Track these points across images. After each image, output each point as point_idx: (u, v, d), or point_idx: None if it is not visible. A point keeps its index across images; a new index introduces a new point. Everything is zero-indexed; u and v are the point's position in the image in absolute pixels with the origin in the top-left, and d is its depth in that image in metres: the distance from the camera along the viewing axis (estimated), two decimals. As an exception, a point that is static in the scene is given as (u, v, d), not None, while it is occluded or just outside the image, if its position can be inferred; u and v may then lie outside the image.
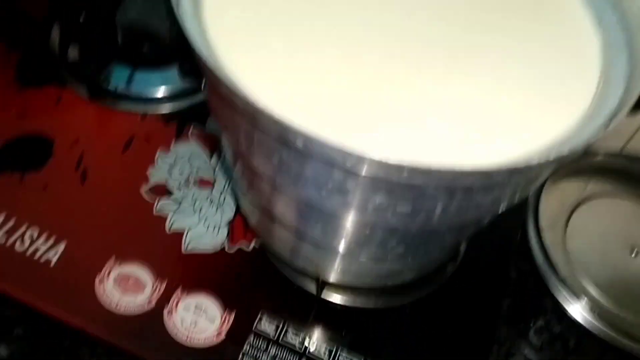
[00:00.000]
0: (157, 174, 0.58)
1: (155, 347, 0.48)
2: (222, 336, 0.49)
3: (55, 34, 0.66)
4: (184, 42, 0.30)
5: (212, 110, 0.39)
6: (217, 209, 0.56)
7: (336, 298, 0.52)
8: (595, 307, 0.53)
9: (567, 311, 0.54)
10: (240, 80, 0.31)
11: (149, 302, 0.50)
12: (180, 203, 0.56)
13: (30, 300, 0.50)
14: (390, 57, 0.35)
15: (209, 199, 0.57)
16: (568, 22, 0.39)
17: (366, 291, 0.52)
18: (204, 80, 0.36)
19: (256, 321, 0.50)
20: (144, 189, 0.57)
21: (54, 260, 0.51)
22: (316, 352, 0.49)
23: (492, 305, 0.54)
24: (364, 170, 0.28)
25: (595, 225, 0.60)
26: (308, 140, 0.27)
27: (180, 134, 0.61)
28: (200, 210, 0.56)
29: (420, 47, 0.36)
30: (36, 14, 0.69)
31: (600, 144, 0.63)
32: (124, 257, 0.52)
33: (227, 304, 0.50)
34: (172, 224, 0.55)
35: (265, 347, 0.49)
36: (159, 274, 0.51)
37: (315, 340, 0.50)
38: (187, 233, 0.54)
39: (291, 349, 0.49)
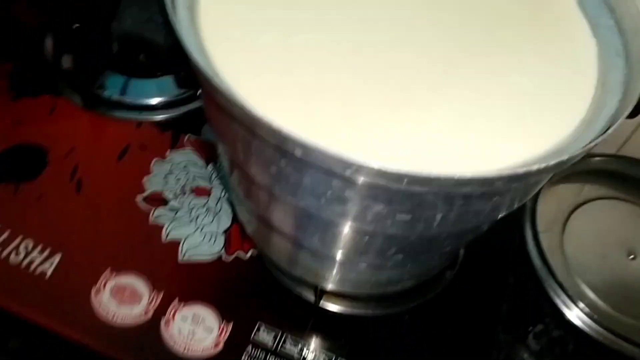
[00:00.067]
0: (152, 182, 0.58)
1: (153, 359, 0.48)
2: (220, 347, 0.48)
3: (49, 43, 0.66)
4: (180, 51, 0.30)
5: (209, 119, 0.38)
6: (213, 217, 0.56)
7: (335, 306, 0.52)
8: (593, 311, 0.53)
9: (565, 315, 0.53)
10: (237, 89, 0.31)
11: (146, 313, 0.49)
12: (176, 212, 0.56)
13: (26, 312, 0.49)
14: (388, 65, 0.35)
15: (205, 208, 0.56)
16: (565, 28, 0.39)
17: (365, 299, 0.52)
18: (200, 89, 0.36)
19: (254, 331, 0.50)
20: (139, 198, 0.56)
21: (49, 272, 0.51)
22: (315, 361, 0.49)
23: (491, 311, 0.54)
24: (363, 179, 0.28)
25: (593, 229, 0.60)
26: (307, 149, 0.27)
27: (175, 142, 0.61)
28: (197, 219, 0.55)
29: (418, 54, 0.36)
30: (30, 23, 0.69)
31: (596, 147, 0.63)
32: (120, 267, 0.52)
33: (224, 314, 0.50)
34: (168, 234, 0.54)
35: (263, 357, 0.49)
36: (155, 284, 0.51)
37: (313, 349, 0.49)
38: (183, 242, 0.54)
39: (289, 359, 0.49)
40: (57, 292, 0.50)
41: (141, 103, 0.63)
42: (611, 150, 0.64)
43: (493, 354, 0.53)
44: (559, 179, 0.62)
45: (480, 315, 0.53)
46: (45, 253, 0.52)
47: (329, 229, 0.37)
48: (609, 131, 0.30)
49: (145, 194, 0.57)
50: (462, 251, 0.55)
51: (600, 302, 0.54)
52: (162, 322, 0.49)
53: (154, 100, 0.63)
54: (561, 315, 0.54)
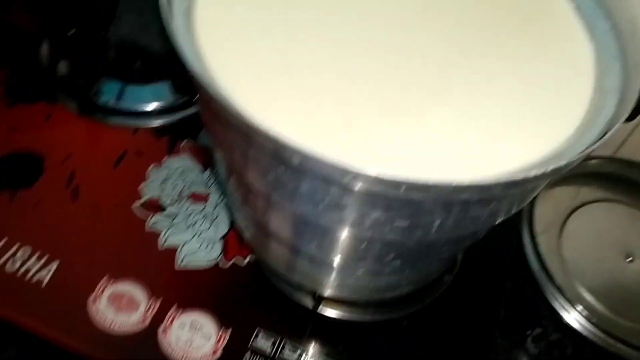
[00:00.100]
0: (149, 189, 0.57)
1: (151, 367, 0.47)
2: (218, 354, 0.48)
3: (45, 49, 0.66)
4: (176, 58, 0.30)
5: (206, 125, 0.38)
6: (211, 223, 0.56)
7: (333, 312, 0.52)
8: (591, 314, 0.53)
9: (563, 319, 0.53)
10: (234, 96, 0.31)
11: (143, 320, 0.49)
12: (173, 218, 0.56)
13: (23, 321, 0.49)
14: (386, 68, 0.35)
15: (202, 214, 0.56)
16: (562, 32, 0.39)
17: (363, 304, 0.52)
18: (197, 96, 0.36)
19: (253, 337, 0.49)
20: (136, 205, 0.56)
21: (46, 280, 0.51)
22: (314, 367, 0.49)
23: (490, 315, 0.54)
24: (361, 186, 0.28)
25: (590, 231, 0.60)
26: (304, 157, 0.27)
27: (172, 148, 0.61)
28: (194, 225, 0.55)
29: (416, 57, 0.36)
30: (25, 29, 0.68)
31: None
32: (117, 275, 0.51)
33: (222, 321, 0.50)
34: (165, 240, 0.54)
35: (262, 364, 0.48)
36: (153, 291, 0.51)
37: (312, 355, 0.49)
38: (180, 249, 0.54)
39: (288, 366, 0.49)
40: (54, 300, 0.50)
41: (137, 109, 0.63)
42: (608, 152, 0.64)
43: (492, 358, 0.52)
44: (556, 181, 0.62)
45: (478, 320, 0.53)
46: (42, 261, 0.52)
47: (327, 236, 0.37)
48: (607, 136, 0.30)
49: (142, 201, 0.56)
50: (460, 255, 0.55)
51: (598, 305, 0.54)
52: (160, 330, 0.49)
53: (151, 106, 0.63)
54: (559, 318, 0.54)
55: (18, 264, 0.51)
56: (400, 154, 0.31)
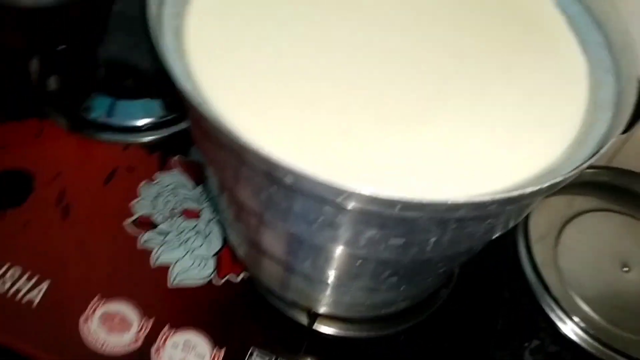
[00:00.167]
0: (141, 206, 0.57)
1: (144, 388, 0.47)
2: (213, 374, 0.48)
3: (35, 65, 0.65)
4: (166, 77, 0.29)
5: (196, 144, 0.38)
6: (203, 240, 0.55)
7: (328, 329, 0.51)
8: (588, 325, 0.52)
9: (561, 330, 0.53)
10: (225, 115, 0.31)
11: (136, 340, 0.48)
12: (165, 236, 0.55)
13: (13, 342, 0.48)
14: (380, 81, 0.34)
15: (195, 230, 0.56)
16: (555, 45, 0.39)
17: (359, 320, 0.51)
18: (188, 114, 0.35)
19: (247, 356, 0.49)
20: (127, 222, 0.55)
21: (37, 300, 0.50)
22: (309, 385, 0.48)
23: (487, 327, 0.54)
24: (355, 205, 0.27)
25: (586, 241, 0.59)
26: (297, 176, 0.26)
27: (164, 164, 0.60)
28: (186, 242, 0.55)
29: (410, 70, 0.35)
30: (14, 45, 0.68)
31: (587, 160, 0.63)
32: (108, 294, 0.51)
33: (216, 340, 0.49)
34: (157, 258, 0.53)
35: (257, 383, 0.48)
36: (145, 310, 0.50)
37: (308, 373, 0.49)
38: (173, 267, 0.53)
39: (284, 384, 0.48)
40: (44, 320, 0.49)
41: (128, 125, 0.63)
42: (603, 161, 0.64)
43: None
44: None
45: (476, 333, 0.53)
46: (33, 281, 0.51)
47: (321, 254, 0.36)
48: (602, 150, 0.30)
49: (133, 218, 0.56)
50: (456, 269, 0.55)
51: (595, 316, 0.54)
52: (153, 350, 0.48)
53: (141, 122, 0.63)
54: (556, 329, 0.53)
55: (8, 284, 0.51)
56: (395, 163, 0.31)
